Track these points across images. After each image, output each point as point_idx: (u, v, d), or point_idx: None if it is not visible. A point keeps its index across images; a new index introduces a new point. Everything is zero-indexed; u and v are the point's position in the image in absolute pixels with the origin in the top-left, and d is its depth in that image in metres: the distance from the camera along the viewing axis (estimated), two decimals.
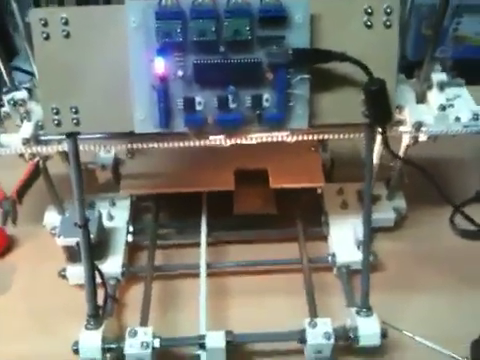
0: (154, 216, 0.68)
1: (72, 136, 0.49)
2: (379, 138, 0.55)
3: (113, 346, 0.52)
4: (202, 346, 0.51)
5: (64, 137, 0.49)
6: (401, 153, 0.59)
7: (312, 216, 0.66)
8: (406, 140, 0.57)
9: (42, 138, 0.55)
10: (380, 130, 0.50)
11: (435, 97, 0.56)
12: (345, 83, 0.47)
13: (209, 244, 0.63)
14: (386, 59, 0.47)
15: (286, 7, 0.44)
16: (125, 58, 0.46)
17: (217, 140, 0.53)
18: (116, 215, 0.65)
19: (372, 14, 0.46)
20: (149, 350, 0.50)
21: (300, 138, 0.54)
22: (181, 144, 0.54)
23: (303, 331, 0.51)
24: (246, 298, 0.60)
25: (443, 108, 0.55)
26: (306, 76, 0.46)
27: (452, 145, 0.62)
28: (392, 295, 0.60)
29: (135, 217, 0.68)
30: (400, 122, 0.55)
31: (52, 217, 0.66)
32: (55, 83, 0.47)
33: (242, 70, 0.46)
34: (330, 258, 0.62)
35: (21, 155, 0.57)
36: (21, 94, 0.56)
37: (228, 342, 0.51)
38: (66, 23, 0.45)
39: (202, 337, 0.51)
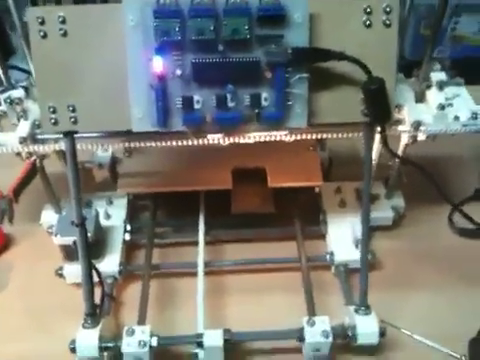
0: (151, 214, 0.67)
1: (69, 135, 0.49)
2: (378, 137, 0.55)
3: (110, 345, 0.52)
4: (200, 344, 0.51)
5: (61, 136, 0.49)
6: (400, 152, 0.59)
7: (310, 215, 0.66)
8: (405, 139, 0.57)
9: (39, 137, 0.55)
10: (379, 129, 0.50)
11: (434, 96, 0.56)
12: (344, 82, 0.47)
13: (207, 243, 0.63)
14: (385, 58, 0.47)
15: (285, 6, 0.44)
16: (123, 57, 0.46)
17: (215, 139, 0.53)
18: (113, 214, 0.65)
19: (371, 13, 0.46)
20: (147, 349, 0.50)
21: (299, 137, 0.54)
22: (179, 143, 0.53)
23: (301, 329, 0.51)
24: (244, 296, 0.60)
25: (442, 107, 0.55)
26: (305, 75, 0.46)
27: (451, 144, 0.62)
28: (390, 293, 0.60)
29: (132, 216, 0.68)
30: (399, 121, 0.55)
31: (49, 216, 0.66)
32: (52, 82, 0.47)
33: (241, 69, 0.46)
34: (328, 257, 0.62)
35: (18, 154, 0.56)
36: (18, 93, 0.56)
37: (226, 340, 0.51)
38: (63, 22, 0.45)
39: (200, 335, 0.51)
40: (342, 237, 0.62)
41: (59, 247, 0.59)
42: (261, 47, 0.45)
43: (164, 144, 0.54)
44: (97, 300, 0.53)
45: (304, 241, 0.63)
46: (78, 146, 0.51)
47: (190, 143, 0.53)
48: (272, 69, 0.46)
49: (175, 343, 0.54)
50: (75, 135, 0.49)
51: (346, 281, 0.60)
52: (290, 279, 0.61)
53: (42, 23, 0.45)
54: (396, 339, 0.55)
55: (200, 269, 0.59)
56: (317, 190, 0.67)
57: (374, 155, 0.59)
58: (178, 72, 0.46)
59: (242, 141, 0.53)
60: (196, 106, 0.47)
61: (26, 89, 0.56)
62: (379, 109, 0.47)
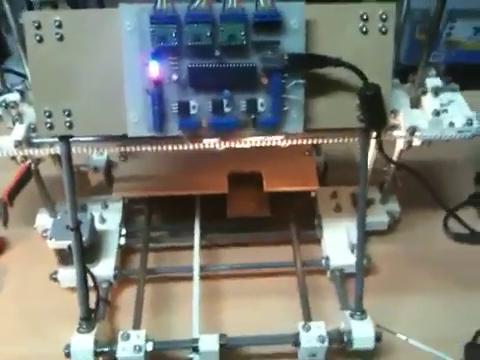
0: (147, 219, 0.67)
1: (65, 139, 0.48)
2: (373, 142, 0.55)
3: (105, 349, 0.51)
4: (195, 349, 0.51)
5: (56, 140, 0.49)
6: (395, 157, 0.59)
7: (306, 219, 0.66)
8: (400, 145, 0.57)
9: (34, 140, 0.55)
10: (375, 134, 0.50)
11: (429, 102, 0.57)
12: (340, 88, 0.47)
13: (202, 247, 0.63)
14: (381, 65, 0.47)
15: (281, 12, 0.44)
16: (119, 61, 0.45)
17: (211, 144, 0.53)
18: (108, 218, 0.65)
19: (368, 20, 0.46)
20: (142, 353, 0.50)
21: (295, 142, 0.54)
22: (175, 147, 0.53)
23: (297, 334, 0.52)
24: (240, 301, 0.60)
25: (437, 113, 0.55)
26: (301, 81, 0.46)
27: (446, 149, 0.62)
28: (386, 298, 0.60)
29: (127, 220, 0.68)
30: (394, 127, 0.55)
31: (44, 219, 0.65)
32: (48, 86, 0.46)
33: (237, 75, 0.46)
34: (324, 261, 0.62)
35: (13, 157, 0.56)
36: (13, 96, 0.55)
37: (222, 345, 0.51)
38: (60, 26, 0.45)
39: (195, 340, 0.51)
40: (338, 242, 0.63)
41: (54, 251, 0.58)
42: (257, 53, 0.45)
43: (160, 149, 0.54)
44: (92, 304, 0.53)
45: (300, 245, 0.63)
46: (73, 150, 0.51)
47: (186, 148, 0.53)
48: (268, 75, 0.46)
49: (170, 348, 0.54)
50: (70, 139, 0.49)
51: (342, 286, 0.60)
52: (286, 283, 0.61)
53: (38, 27, 0.45)
54: (392, 344, 0.55)
55: (196, 273, 0.59)
56: (313, 195, 0.67)
57: (369, 160, 0.59)
58: (174, 77, 0.46)
59: (238, 146, 0.53)
60: (192, 111, 0.47)
61: (21, 93, 0.56)
62: (375, 115, 0.47)
